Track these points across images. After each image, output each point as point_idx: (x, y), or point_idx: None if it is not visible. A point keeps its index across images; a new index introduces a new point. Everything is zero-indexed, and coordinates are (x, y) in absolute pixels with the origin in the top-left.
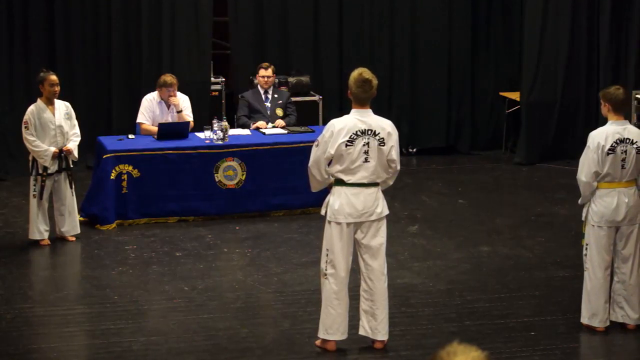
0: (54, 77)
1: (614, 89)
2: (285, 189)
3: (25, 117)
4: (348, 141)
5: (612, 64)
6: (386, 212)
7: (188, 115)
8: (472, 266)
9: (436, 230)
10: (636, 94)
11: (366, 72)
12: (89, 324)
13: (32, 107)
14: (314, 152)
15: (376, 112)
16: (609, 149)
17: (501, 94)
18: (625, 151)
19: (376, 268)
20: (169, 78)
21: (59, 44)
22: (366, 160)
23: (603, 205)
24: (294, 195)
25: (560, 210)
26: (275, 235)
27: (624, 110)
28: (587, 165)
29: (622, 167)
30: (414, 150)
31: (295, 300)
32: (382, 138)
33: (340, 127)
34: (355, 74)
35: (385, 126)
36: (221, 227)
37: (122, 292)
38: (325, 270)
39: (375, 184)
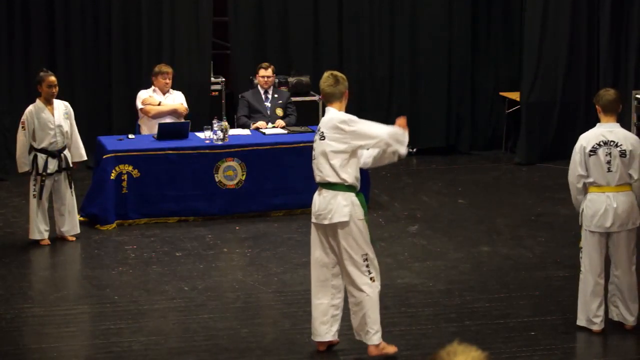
0: (52, 79)
1: (603, 91)
2: (285, 189)
3: (23, 117)
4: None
5: (612, 64)
6: (341, 219)
7: (182, 103)
8: (472, 266)
9: (436, 230)
10: (636, 94)
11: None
12: (89, 324)
13: (30, 108)
14: None
15: (376, 112)
16: (590, 151)
17: (501, 94)
18: (610, 154)
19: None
20: (164, 67)
21: (59, 44)
22: (314, 157)
23: (593, 210)
24: (294, 195)
25: (560, 210)
26: (275, 235)
27: (614, 112)
28: (571, 167)
29: (608, 170)
30: (414, 150)
31: (295, 300)
32: (323, 132)
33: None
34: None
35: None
36: (221, 227)
37: (122, 292)
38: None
39: (328, 185)
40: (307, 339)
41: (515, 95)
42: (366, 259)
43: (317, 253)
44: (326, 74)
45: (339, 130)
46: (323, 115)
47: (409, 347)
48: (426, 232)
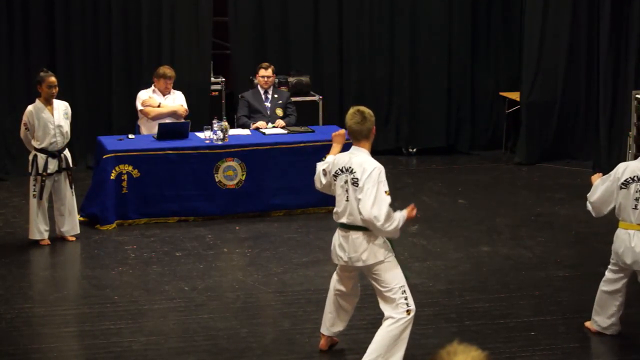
0: (53, 79)
1: None
2: (285, 189)
3: (24, 119)
4: (333, 176)
5: (612, 64)
6: (377, 260)
7: (182, 104)
8: (472, 266)
9: (436, 230)
10: (636, 94)
11: (359, 107)
12: (89, 324)
13: (30, 109)
14: None
15: (376, 112)
16: (622, 183)
17: (501, 94)
18: (639, 191)
19: None
20: (168, 71)
21: (59, 44)
22: (347, 199)
23: (616, 245)
24: (294, 195)
25: (560, 210)
26: (275, 235)
27: None
28: (600, 190)
29: (635, 207)
30: (414, 150)
31: (295, 300)
32: (357, 178)
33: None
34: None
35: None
36: (221, 227)
37: (122, 292)
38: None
39: (359, 227)
40: (307, 339)
41: (515, 95)
42: (404, 292)
43: (340, 286)
44: (352, 110)
45: (374, 181)
46: (324, 115)
47: (409, 347)
48: (426, 232)
